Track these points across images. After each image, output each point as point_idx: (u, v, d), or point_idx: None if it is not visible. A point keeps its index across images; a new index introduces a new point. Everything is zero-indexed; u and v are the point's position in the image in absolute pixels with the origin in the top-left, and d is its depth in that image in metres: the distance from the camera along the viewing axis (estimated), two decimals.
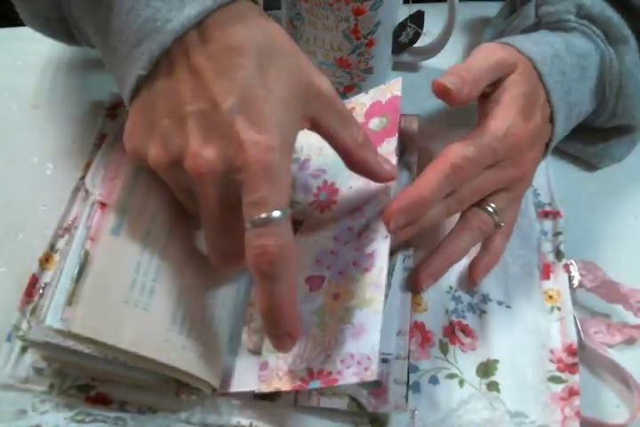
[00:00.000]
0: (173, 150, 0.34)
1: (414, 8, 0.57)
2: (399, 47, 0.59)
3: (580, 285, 0.45)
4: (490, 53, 0.44)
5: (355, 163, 0.39)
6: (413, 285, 0.44)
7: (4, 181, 0.52)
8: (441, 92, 0.41)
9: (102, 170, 0.41)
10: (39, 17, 0.45)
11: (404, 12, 0.57)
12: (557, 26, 0.49)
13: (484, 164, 0.42)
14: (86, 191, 0.45)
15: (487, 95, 0.45)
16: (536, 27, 0.51)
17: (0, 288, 0.45)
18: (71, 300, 0.34)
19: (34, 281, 0.41)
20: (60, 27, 0.45)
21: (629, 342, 0.44)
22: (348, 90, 0.58)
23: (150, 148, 0.35)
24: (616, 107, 0.50)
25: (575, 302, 0.45)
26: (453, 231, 0.45)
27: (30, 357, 0.40)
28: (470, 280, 0.45)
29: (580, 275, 0.45)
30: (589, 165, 0.54)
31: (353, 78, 0.57)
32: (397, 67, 0.61)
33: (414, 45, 0.59)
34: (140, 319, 0.36)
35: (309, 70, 0.37)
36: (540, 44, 0.47)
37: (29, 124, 0.56)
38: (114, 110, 0.53)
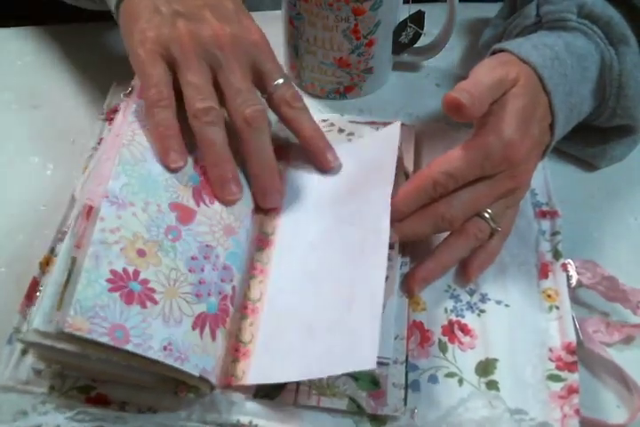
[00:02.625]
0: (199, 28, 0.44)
1: (414, 8, 0.57)
2: (399, 47, 0.58)
3: (580, 283, 0.45)
4: (490, 71, 0.44)
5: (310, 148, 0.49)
6: (407, 288, 0.45)
7: (4, 181, 0.52)
8: (453, 106, 0.41)
9: (92, 180, 0.42)
10: None
11: (404, 12, 0.57)
12: (558, 25, 0.49)
13: (468, 179, 0.43)
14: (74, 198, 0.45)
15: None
16: (536, 26, 0.51)
17: (0, 289, 0.45)
18: (59, 305, 0.36)
19: (34, 284, 0.41)
20: None
21: (628, 340, 0.44)
22: (348, 90, 0.58)
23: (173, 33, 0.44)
24: (616, 107, 0.49)
25: (574, 301, 0.45)
26: (449, 238, 0.45)
27: (30, 359, 0.39)
28: (465, 277, 0.46)
29: (579, 273, 0.46)
30: (589, 165, 0.54)
31: (353, 78, 0.57)
32: (397, 67, 0.61)
33: (414, 45, 0.59)
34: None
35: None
36: (539, 48, 0.47)
37: (29, 124, 0.56)
38: (112, 114, 0.53)
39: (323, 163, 0.48)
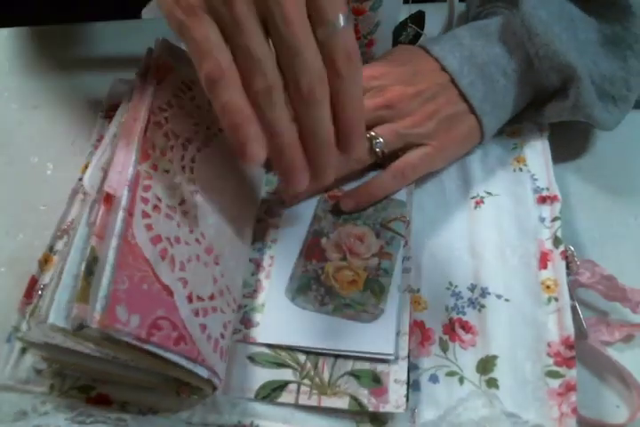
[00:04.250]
0: None
1: (414, 8, 0.57)
2: None
3: (579, 283, 0.45)
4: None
5: None
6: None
7: (3, 181, 0.53)
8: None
9: (100, 172, 0.39)
10: None
11: (404, 12, 0.57)
12: (478, 17, 0.54)
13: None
14: (84, 193, 0.44)
15: None
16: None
17: (0, 288, 0.45)
18: (81, 297, 0.32)
19: (33, 282, 0.41)
20: None
21: (628, 339, 0.44)
22: None
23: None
24: (537, 49, 0.48)
25: (574, 300, 0.45)
26: None
27: (30, 358, 0.39)
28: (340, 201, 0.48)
29: (578, 273, 0.45)
30: (589, 165, 0.54)
31: None
32: None
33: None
34: None
35: None
36: (442, 37, 0.51)
37: (29, 124, 0.56)
38: (111, 112, 0.53)
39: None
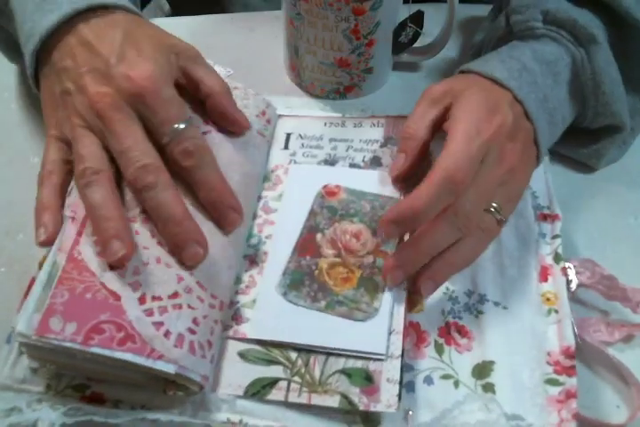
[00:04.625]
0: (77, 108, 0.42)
1: (414, 8, 0.57)
2: (399, 47, 0.59)
3: (579, 283, 0.45)
4: (424, 113, 0.47)
5: (216, 106, 0.46)
6: (414, 288, 0.44)
7: (3, 181, 0.53)
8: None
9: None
10: None
11: (404, 12, 0.57)
12: (527, 34, 0.50)
13: (474, 167, 0.42)
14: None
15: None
16: (509, 36, 0.52)
17: (0, 289, 0.45)
18: (39, 307, 0.37)
19: (33, 283, 0.41)
20: None
21: (628, 339, 0.44)
22: (348, 90, 0.58)
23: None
24: (596, 105, 0.50)
25: (574, 300, 0.45)
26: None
27: (27, 358, 0.40)
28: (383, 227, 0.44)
29: (578, 272, 0.45)
30: (588, 166, 0.54)
31: (353, 78, 0.57)
32: (397, 67, 0.61)
33: (414, 45, 0.59)
34: None
35: (171, 39, 0.45)
36: (506, 61, 0.48)
37: (29, 124, 0.56)
38: None
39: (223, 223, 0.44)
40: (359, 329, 0.42)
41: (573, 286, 0.45)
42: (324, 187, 0.49)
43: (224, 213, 0.42)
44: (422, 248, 0.43)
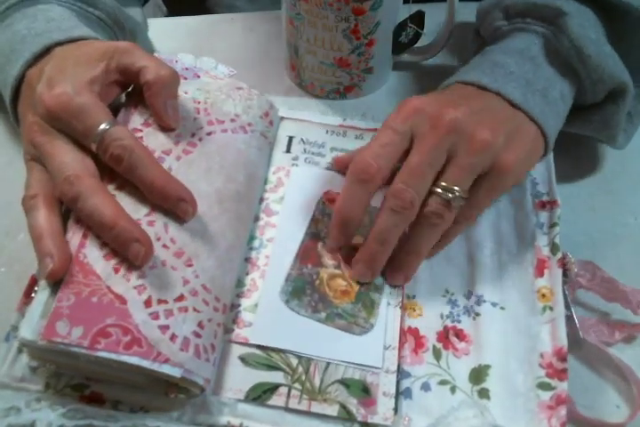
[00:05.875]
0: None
1: (414, 8, 0.57)
2: (399, 47, 0.59)
3: (579, 285, 0.45)
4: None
5: (147, 99, 0.44)
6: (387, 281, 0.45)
7: (4, 181, 0.52)
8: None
9: None
10: None
11: (404, 12, 0.57)
12: (496, 35, 0.51)
13: (385, 151, 0.42)
14: None
15: None
16: (483, 46, 0.52)
17: (0, 288, 0.45)
18: (45, 312, 0.37)
19: (33, 282, 0.41)
20: None
21: (628, 339, 0.44)
22: (348, 90, 0.58)
23: None
24: (589, 72, 0.47)
25: (574, 302, 0.45)
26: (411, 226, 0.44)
27: (27, 356, 0.40)
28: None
29: (578, 275, 0.45)
30: (589, 165, 0.54)
31: (353, 78, 0.57)
32: (397, 67, 0.61)
33: (414, 45, 0.59)
34: None
35: (106, 45, 0.45)
36: (475, 65, 0.48)
37: None
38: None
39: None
40: (357, 342, 0.42)
41: (572, 276, 0.45)
42: (326, 193, 0.49)
43: (173, 205, 0.41)
44: (375, 239, 0.43)
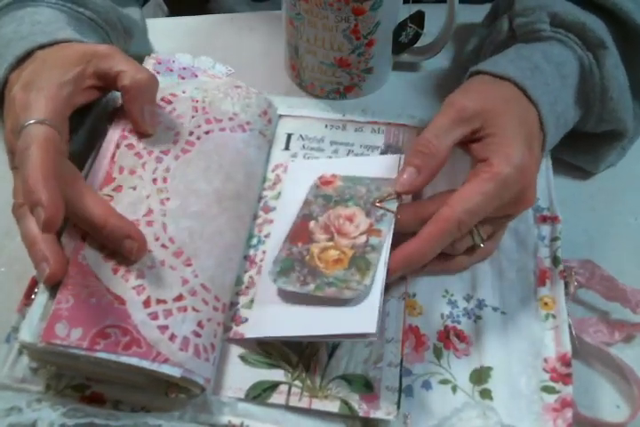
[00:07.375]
0: None
1: (414, 8, 0.57)
2: (399, 47, 0.59)
3: (579, 284, 0.45)
4: (447, 121, 0.44)
5: (127, 102, 0.44)
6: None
7: (3, 181, 0.52)
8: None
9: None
10: None
11: (404, 12, 0.57)
12: (533, 36, 0.49)
13: (488, 212, 0.42)
14: None
15: (473, 140, 0.44)
16: (511, 41, 0.51)
17: (0, 288, 0.45)
18: (45, 315, 0.37)
19: (33, 284, 0.41)
20: None
21: (628, 339, 0.44)
22: (348, 90, 0.58)
23: None
24: (602, 111, 0.49)
25: (574, 301, 0.45)
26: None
27: (27, 358, 0.40)
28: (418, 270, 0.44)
29: (578, 274, 0.45)
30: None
31: (353, 78, 0.57)
32: (397, 67, 0.61)
33: (414, 45, 0.59)
34: None
35: (85, 48, 0.44)
36: (515, 61, 0.47)
37: None
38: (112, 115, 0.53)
39: None
40: (350, 312, 0.40)
41: (572, 288, 0.45)
42: (320, 177, 0.48)
43: (32, 206, 0.37)
44: (426, 253, 0.42)
